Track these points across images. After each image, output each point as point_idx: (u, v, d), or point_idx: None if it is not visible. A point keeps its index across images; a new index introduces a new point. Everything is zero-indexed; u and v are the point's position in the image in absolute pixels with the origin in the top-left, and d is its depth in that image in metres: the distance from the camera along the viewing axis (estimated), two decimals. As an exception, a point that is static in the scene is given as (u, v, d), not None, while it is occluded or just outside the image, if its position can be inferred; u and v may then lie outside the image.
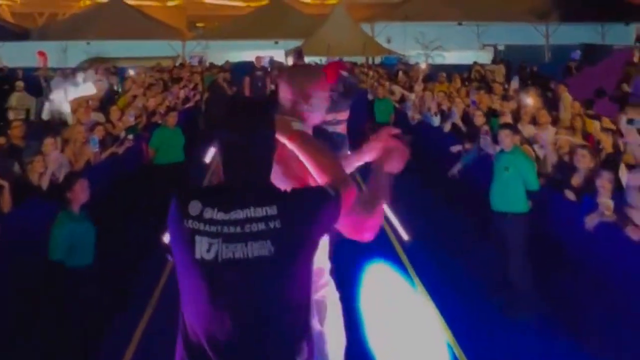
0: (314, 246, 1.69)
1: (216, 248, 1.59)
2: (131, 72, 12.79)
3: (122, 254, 5.30)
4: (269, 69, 14.08)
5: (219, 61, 17.62)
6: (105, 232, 4.34)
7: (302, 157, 1.99)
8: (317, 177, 1.95)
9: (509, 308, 4.64)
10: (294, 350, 1.63)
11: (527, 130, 6.46)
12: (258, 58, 12.96)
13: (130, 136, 6.87)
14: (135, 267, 5.40)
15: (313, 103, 2.12)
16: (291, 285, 1.63)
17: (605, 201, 4.24)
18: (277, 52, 21.14)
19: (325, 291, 2.20)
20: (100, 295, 3.93)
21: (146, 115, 8.11)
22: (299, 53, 13.40)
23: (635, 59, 11.13)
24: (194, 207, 1.63)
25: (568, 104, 8.27)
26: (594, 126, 6.07)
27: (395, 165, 2.05)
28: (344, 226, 1.83)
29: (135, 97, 8.88)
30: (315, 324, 2.07)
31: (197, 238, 1.61)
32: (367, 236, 1.88)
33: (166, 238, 1.75)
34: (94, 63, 16.42)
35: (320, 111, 2.18)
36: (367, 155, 2.23)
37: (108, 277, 4.27)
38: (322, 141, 2.10)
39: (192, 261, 1.62)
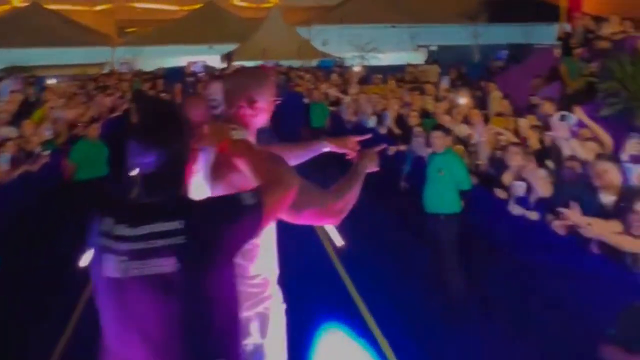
0: (227, 261, 1.61)
1: (124, 265, 1.54)
2: (52, 82, 12.08)
3: (34, 278, 4.86)
4: (202, 74, 13.70)
5: (151, 67, 17.02)
6: (15, 256, 3.95)
7: (241, 166, 1.90)
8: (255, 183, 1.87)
9: (444, 310, 4.61)
10: None
11: (461, 129, 6.50)
12: (189, 64, 12.58)
13: (47, 151, 6.39)
14: (47, 298, 4.91)
15: (258, 107, 2.03)
16: (202, 303, 1.56)
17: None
18: (211, 57, 20.73)
19: (269, 303, 2.10)
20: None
21: (67, 127, 7.60)
22: (228, 57, 13.07)
23: (557, 55, 11.62)
24: (107, 223, 1.59)
25: (498, 101, 8.46)
26: (522, 124, 6.18)
27: (371, 166, 2.21)
28: (305, 218, 1.92)
29: (52, 108, 8.32)
30: (255, 337, 2.01)
31: (107, 256, 1.56)
32: (333, 221, 2.01)
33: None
34: (12, 72, 15.41)
35: (265, 115, 2.09)
36: (324, 148, 2.41)
37: (19, 306, 3.88)
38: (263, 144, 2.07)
39: (103, 279, 1.57)
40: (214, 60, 19.72)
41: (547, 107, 7.66)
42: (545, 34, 22.25)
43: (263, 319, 2.06)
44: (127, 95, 12.04)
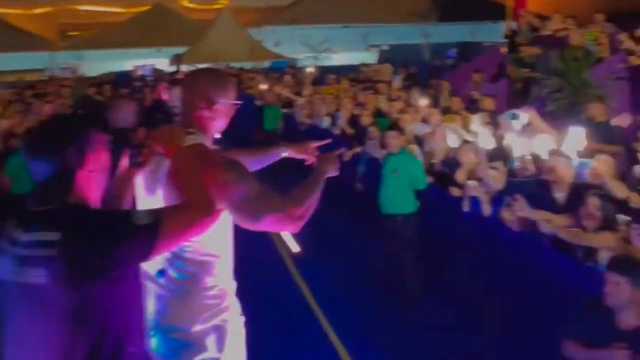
0: (108, 280, 1.53)
1: (10, 269, 1.54)
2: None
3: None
4: (151, 79, 13.30)
5: (96, 72, 16.41)
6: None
7: (172, 177, 1.84)
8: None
9: (402, 310, 4.56)
10: None
11: (417, 128, 6.49)
12: (135, 67, 12.16)
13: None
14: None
15: (217, 109, 1.95)
16: (73, 322, 1.50)
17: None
18: (160, 61, 20.22)
19: (227, 315, 2.01)
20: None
21: (1, 138, 7.13)
22: (177, 60, 12.71)
23: (503, 52, 11.90)
24: (9, 225, 1.59)
25: (449, 100, 8.56)
26: (475, 120, 6.24)
27: (331, 170, 2.17)
28: (264, 225, 1.85)
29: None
30: (212, 351, 1.94)
31: (2, 257, 1.56)
32: (293, 228, 1.93)
33: None
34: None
35: (225, 119, 2.01)
36: (282, 153, 2.42)
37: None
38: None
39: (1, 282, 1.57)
40: (163, 64, 19.22)
41: (487, 104, 7.79)
42: (493, 32, 22.86)
43: (220, 332, 1.97)
44: (68, 102, 11.52)
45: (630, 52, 8.27)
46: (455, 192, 4.88)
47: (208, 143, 1.97)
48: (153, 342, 1.93)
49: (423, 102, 7.46)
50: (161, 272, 1.99)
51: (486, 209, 4.35)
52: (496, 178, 4.23)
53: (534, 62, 9.40)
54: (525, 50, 9.52)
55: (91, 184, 1.63)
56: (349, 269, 5.48)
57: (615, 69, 8.15)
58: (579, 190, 3.69)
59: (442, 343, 4.04)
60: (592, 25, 9.98)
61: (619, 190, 3.69)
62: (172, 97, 5.76)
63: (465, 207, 4.59)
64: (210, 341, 1.94)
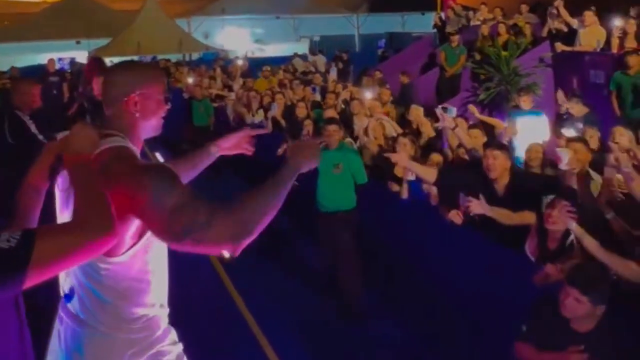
0: None
1: None
2: None
3: None
4: (69, 73, 12.44)
5: (7, 66, 15.17)
6: None
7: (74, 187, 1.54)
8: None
9: (339, 310, 4.43)
10: None
11: (362, 122, 6.35)
12: (51, 61, 11.30)
13: None
14: None
15: (144, 106, 1.67)
16: None
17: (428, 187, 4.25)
18: (79, 53, 19.10)
19: (160, 347, 1.75)
20: None
21: None
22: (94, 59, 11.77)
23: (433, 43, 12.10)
24: None
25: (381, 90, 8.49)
26: (417, 112, 6.17)
27: (310, 161, 1.71)
28: (187, 246, 1.49)
29: None
30: None
31: None
32: (229, 248, 1.54)
33: None
34: None
35: (155, 117, 1.72)
36: (215, 154, 2.13)
37: None
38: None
39: None
40: (83, 57, 18.12)
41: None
42: (422, 23, 23.29)
43: None
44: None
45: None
46: (393, 186, 4.78)
47: (132, 146, 1.68)
48: None
49: (369, 94, 7.30)
50: (69, 296, 1.68)
51: (434, 199, 4.26)
52: (428, 170, 4.14)
53: (463, 51, 9.56)
54: (454, 40, 9.66)
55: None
56: (283, 270, 5.28)
57: (540, 57, 8.42)
58: (520, 181, 3.67)
59: (383, 347, 3.92)
60: (518, 16, 10.28)
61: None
62: (97, 88, 5.36)
63: (404, 194, 4.51)
64: None
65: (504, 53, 8.04)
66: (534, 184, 3.71)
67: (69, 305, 1.69)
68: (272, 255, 5.45)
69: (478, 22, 10.87)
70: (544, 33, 8.83)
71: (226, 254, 4.45)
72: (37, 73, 11.46)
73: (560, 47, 8.17)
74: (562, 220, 2.82)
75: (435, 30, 12.46)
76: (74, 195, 1.51)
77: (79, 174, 1.53)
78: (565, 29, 8.48)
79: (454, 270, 3.84)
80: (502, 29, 9.16)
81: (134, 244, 1.62)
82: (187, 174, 2.09)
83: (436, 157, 4.77)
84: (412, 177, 4.37)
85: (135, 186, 1.48)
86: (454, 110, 4.97)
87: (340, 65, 14.04)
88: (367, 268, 4.51)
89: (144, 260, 1.65)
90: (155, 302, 1.73)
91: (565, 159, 3.57)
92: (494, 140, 4.87)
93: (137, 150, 1.70)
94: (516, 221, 3.45)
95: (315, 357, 3.85)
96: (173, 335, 1.83)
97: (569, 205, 2.86)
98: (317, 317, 4.37)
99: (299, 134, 6.76)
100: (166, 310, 1.81)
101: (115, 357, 1.65)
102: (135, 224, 1.58)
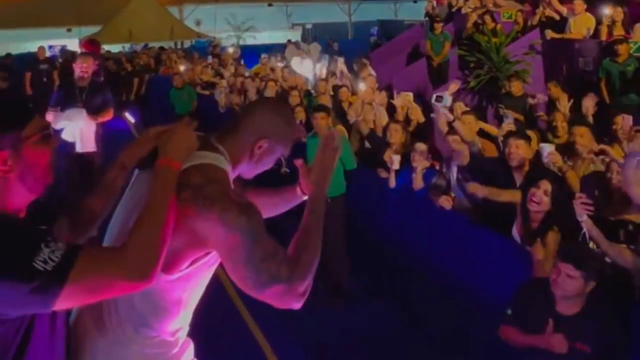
0: None
1: None
2: None
3: None
4: (59, 60, 12.36)
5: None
6: None
7: None
8: None
9: (329, 293, 4.49)
10: None
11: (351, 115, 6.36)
12: (41, 48, 11.21)
13: None
14: None
15: (263, 155, 1.64)
16: None
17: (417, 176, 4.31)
18: (70, 41, 18.96)
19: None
20: None
21: None
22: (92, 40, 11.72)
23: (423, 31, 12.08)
24: None
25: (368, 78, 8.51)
26: (407, 98, 6.20)
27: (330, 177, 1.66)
28: (263, 298, 1.44)
29: None
30: None
31: None
32: (296, 305, 1.48)
33: None
34: None
35: (262, 166, 1.69)
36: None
37: None
38: None
39: None
40: (73, 45, 17.98)
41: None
42: (413, 11, 23.24)
43: None
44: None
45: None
46: (382, 173, 4.84)
47: (229, 173, 1.58)
48: None
49: (363, 86, 7.30)
50: None
51: (417, 184, 4.31)
52: (420, 160, 4.17)
53: (447, 38, 9.59)
54: (437, 28, 9.67)
55: (9, 187, 1.29)
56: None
57: (530, 44, 8.47)
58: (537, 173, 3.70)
59: (370, 332, 3.94)
60: (509, 3, 10.29)
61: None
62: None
63: (392, 183, 4.57)
64: None
65: (494, 40, 8.09)
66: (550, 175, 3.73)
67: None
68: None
69: (469, 10, 10.88)
70: (535, 21, 8.88)
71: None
72: (28, 61, 11.42)
73: (550, 34, 8.22)
74: (577, 211, 2.82)
75: (426, 18, 12.45)
76: (144, 208, 1.38)
77: (162, 184, 1.41)
78: (557, 17, 8.53)
79: (441, 254, 3.91)
80: (488, 18, 9.18)
81: (187, 268, 1.53)
82: (265, 212, 1.70)
83: (420, 146, 4.76)
84: (396, 167, 4.43)
85: (226, 222, 1.40)
86: (449, 99, 5.00)
87: (332, 53, 14.04)
88: (356, 252, 4.57)
89: (187, 287, 1.58)
90: (180, 326, 1.66)
91: (545, 152, 3.68)
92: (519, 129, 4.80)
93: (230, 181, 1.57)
94: (506, 198, 3.48)
95: (305, 340, 3.88)
96: (189, 352, 1.72)
97: (585, 197, 2.83)
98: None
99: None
100: (186, 330, 1.71)
101: None
102: (199, 251, 1.49)
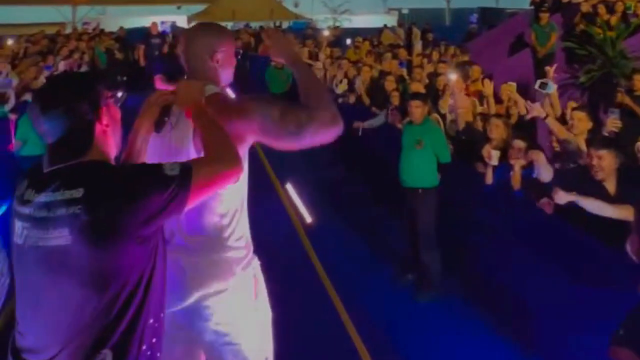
0: (132, 239, 1.45)
1: (25, 233, 1.47)
2: (10, 42, 11.24)
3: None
4: (169, 35, 13.05)
5: (115, 28, 16.14)
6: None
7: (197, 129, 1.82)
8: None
9: (418, 288, 4.46)
10: (91, 356, 1.43)
11: (444, 104, 6.21)
12: (154, 24, 11.90)
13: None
14: None
15: (220, 60, 2.00)
16: (97, 285, 1.42)
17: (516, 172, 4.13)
18: (179, 18, 19.95)
19: (255, 262, 2.06)
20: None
21: (14, 93, 7.01)
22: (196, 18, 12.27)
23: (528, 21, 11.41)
24: (21, 186, 1.54)
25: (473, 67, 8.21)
26: (510, 88, 5.93)
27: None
28: (308, 138, 1.83)
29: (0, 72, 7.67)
30: (249, 298, 1.99)
31: (15, 220, 1.51)
32: (337, 129, 1.88)
33: None
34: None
35: (229, 68, 2.06)
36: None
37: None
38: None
39: (12, 245, 1.53)
40: (182, 21, 18.92)
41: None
42: (519, -1, 22.03)
43: (254, 280, 2.03)
44: (87, 56, 11.37)
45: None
46: (479, 167, 4.69)
47: (225, 93, 1.99)
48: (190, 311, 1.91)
49: (453, 75, 7.08)
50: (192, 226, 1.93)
51: (516, 182, 4.13)
52: (545, 165, 3.85)
53: (554, 29, 9.00)
54: (543, 18, 9.09)
55: (106, 140, 1.57)
56: (363, 241, 5.35)
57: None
58: (633, 177, 3.43)
59: (461, 329, 3.86)
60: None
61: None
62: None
63: (489, 180, 4.41)
64: (248, 289, 1.99)
65: (609, 33, 7.50)
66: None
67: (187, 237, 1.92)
68: (354, 226, 5.58)
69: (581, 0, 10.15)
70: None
71: (308, 218, 4.62)
72: (141, 35, 12.18)
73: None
74: None
75: (532, 7, 11.77)
76: (202, 137, 1.74)
77: (203, 119, 1.77)
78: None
79: (541, 264, 3.66)
80: (603, 9, 8.51)
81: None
82: None
83: (518, 143, 4.52)
84: (495, 163, 4.26)
85: (248, 115, 1.85)
86: (553, 86, 4.74)
87: (427, 39, 13.69)
88: (447, 249, 4.47)
89: (238, 192, 1.96)
90: (246, 226, 2.04)
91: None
92: (598, 136, 4.35)
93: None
94: (612, 214, 3.18)
95: (397, 335, 3.85)
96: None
97: None
98: (397, 292, 4.42)
99: (385, 105, 6.75)
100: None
101: (225, 274, 1.93)
102: (245, 148, 1.91)
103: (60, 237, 1.41)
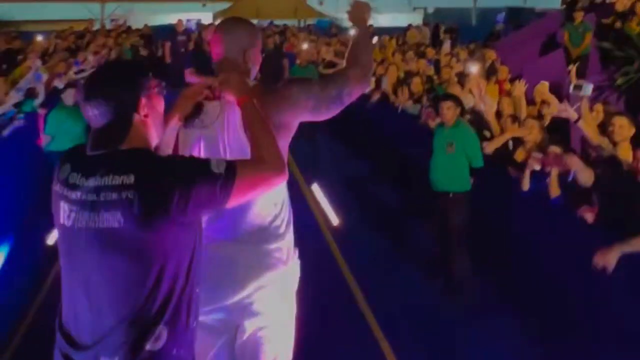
0: (177, 223, 1.52)
1: (74, 215, 1.54)
2: (39, 38, 11.40)
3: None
4: (195, 32, 13.08)
5: (142, 25, 16.29)
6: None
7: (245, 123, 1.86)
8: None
9: (449, 292, 4.34)
10: (146, 333, 1.51)
11: (468, 100, 6.07)
12: (179, 21, 11.95)
13: (21, 115, 5.87)
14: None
15: (251, 55, 2.06)
16: (148, 265, 1.50)
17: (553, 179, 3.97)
18: (205, 15, 20.07)
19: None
20: None
21: (44, 88, 7.06)
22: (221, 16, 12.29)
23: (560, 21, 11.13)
24: (64, 170, 1.59)
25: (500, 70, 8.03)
26: (543, 89, 5.74)
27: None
28: (348, 100, 2.05)
29: (30, 67, 7.75)
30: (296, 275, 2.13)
31: (61, 203, 1.57)
32: (364, 88, 2.13)
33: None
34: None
35: (256, 66, 2.12)
36: None
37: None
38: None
39: (59, 227, 1.60)
40: (207, 18, 19.02)
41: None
42: (549, -2, 21.60)
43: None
44: (115, 53, 11.47)
45: None
46: (513, 172, 4.54)
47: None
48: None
49: (474, 68, 6.88)
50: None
51: (553, 190, 3.98)
52: (585, 170, 3.65)
53: (588, 28, 8.74)
54: (577, 17, 8.83)
55: (148, 130, 1.62)
56: (393, 245, 5.24)
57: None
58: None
59: (493, 334, 3.75)
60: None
61: None
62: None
63: (525, 186, 4.24)
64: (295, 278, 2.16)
65: (650, 35, 7.24)
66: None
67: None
68: (381, 228, 5.48)
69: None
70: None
71: (335, 220, 4.61)
72: (167, 32, 12.26)
73: None
74: None
75: (564, 6, 11.47)
76: (251, 135, 1.78)
77: (254, 114, 1.80)
78: None
79: (579, 276, 3.51)
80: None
81: None
82: None
83: (554, 149, 4.35)
84: (537, 167, 4.08)
85: (296, 100, 1.97)
86: (589, 88, 4.55)
87: (454, 38, 13.49)
88: (478, 255, 4.34)
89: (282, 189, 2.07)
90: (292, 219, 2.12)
91: None
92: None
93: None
94: None
95: (424, 338, 3.78)
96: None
97: None
98: (425, 296, 4.32)
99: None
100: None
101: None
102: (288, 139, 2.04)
103: (113, 219, 1.48)
